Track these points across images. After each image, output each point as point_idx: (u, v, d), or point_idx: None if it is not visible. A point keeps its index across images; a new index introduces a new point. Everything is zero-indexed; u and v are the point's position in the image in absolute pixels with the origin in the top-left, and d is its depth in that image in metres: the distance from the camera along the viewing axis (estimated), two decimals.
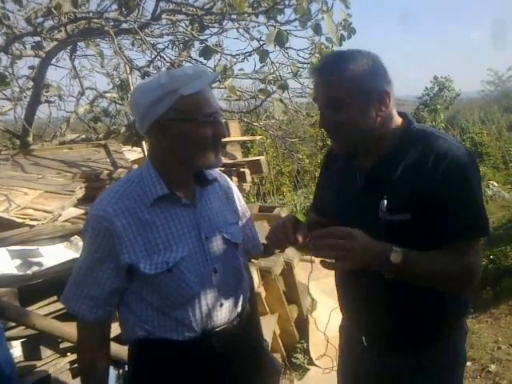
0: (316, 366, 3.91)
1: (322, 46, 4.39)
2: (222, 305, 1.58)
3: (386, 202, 1.49)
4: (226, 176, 1.80)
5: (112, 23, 3.98)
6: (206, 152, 1.50)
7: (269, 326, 3.73)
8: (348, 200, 1.61)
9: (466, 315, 1.71)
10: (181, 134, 1.45)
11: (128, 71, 3.97)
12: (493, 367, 3.79)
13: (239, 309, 1.65)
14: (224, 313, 1.58)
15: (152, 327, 1.52)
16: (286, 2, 3.93)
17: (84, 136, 5.81)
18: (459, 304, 1.65)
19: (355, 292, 1.69)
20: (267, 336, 3.51)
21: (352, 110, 1.48)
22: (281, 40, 3.69)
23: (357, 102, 1.47)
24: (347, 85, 1.46)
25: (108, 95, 6.30)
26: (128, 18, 4.03)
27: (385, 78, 1.51)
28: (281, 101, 4.01)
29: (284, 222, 1.56)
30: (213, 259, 1.56)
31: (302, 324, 4.22)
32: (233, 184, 1.80)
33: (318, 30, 3.96)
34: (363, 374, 1.75)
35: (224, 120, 5.64)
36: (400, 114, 1.60)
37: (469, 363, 3.92)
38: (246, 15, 4.08)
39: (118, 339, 2.26)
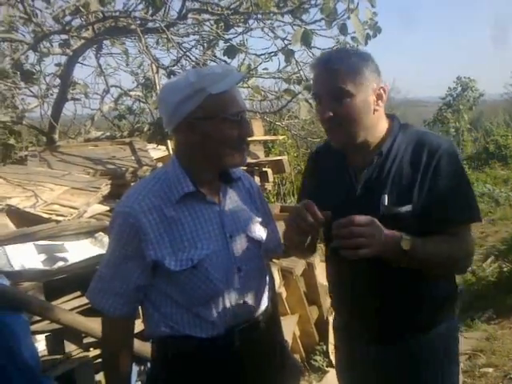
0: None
1: (347, 45, 4.37)
2: (244, 303, 1.58)
3: (386, 197, 1.56)
4: (249, 175, 1.80)
5: (139, 22, 4.01)
6: (232, 151, 1.51)
7: (289, 327, 3.72)
8: (346, 200, 1.64)
9: (455, 302, 1.78)
10: (208, 132, 1.47)
11: (154, 70, 4.00)
12: None
13: (262, 307, 1.66)
14: (247, 311, 1.59)
15: (176, 324, 1.53)
16: (312, 2, 3.93)
17: (108, 133, 5.87)
18: (452, 290, 1.75)
19: (349, 285, 1.72)
20: (287, 337, 3.51)
21: (354, 101, 1.53)
22: (307, 40, 3.69)
23: (359, 93, 1.53)
24: (352, 76, 1.52)
25: (132, 93, 6.37)
26: (155, 17, 4.05)
27: (380, 76, 1.59)
28: (306, 101, 4.00)
29: (307, 203, 1.47)
30: (236, 257, 1.57)
31: (322, 326, 4.20)
32: (256, 183, 1.81)
33: (344, 30, 3.95)
34: (361, 367, 1.77)
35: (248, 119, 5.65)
36: (387, 114, 1.68)
37: (490, 370, 3.87)
38: (271, 14, 4.08)
39: (139, 336, 2.28)
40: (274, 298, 1.86)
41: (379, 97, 1.57)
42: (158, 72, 4.07)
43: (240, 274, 1.57)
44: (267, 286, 1.72)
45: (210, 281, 1.50)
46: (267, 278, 1.74)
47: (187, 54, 4.47)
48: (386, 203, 1.56)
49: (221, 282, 1.52)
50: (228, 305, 1.54)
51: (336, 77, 1.53)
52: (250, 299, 1.59)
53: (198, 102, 1.44)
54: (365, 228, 1.40)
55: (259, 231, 1.66)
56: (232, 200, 1.63)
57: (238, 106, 1.50)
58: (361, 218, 1.41)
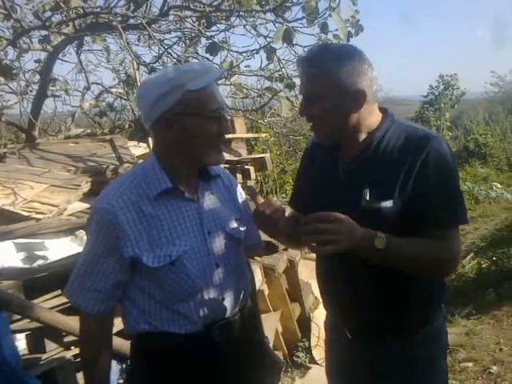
0: (318, 364, 3.92)
1: (330, 42, 4.39)
2: (223, 299, 1.59)
3: (368, 191, 1.55)
4: (228, 173, 1.81)
5: (120, 18, 3.97)
6: (210, 147, 1.52)
7: (271, 324, 3.74)
8: (331, 192, 1.65)
9: (443, 301, 1.76)
10: (186, 128, 1.47)
11: (135, 67, 3.97)
12: (494, 368, 3.78)
13: (241, 304, 1.66)
14: (225, 307, 1.59)
15: (154, 320, 1.53)
16: (294, 0, 3.93)
17: (89, 131, 5.82)
18: (439, 290, 1.71)
19: (336, 283, 1.72)
20: (269, 334, 3.52)
21: (325, 104, 1.53)
22: (289, 37, 3.70)
23: (330, 97, 1.53)
24: (322, 80, 1.52)
25: (113, 90, 6.31)
26: (136, 14, 4.02)
27: (366, 75, 1.54)
28: (287, 99, 4.01)
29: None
30: (215, 254, 1.57)
31: (304, 322, 4.22)
32: (235, 181, 1.81)
33: (325, 28, 3.96)
34: (350, 367, 1.78)
35: (229, 117, 5.65)
36: (381, 109, 1.66)
37: (470, 364, 3.93)
38: (253, 12, 4.08)
39: (121, 334, 2.27)
40: (254, 295, 1.87)
41: (356, 100, 1.54)
42: (138, 69, 4.04)
43: (218, 270, 1.57)
44: (247, 283, 1.73)
45: (189, 277, 1.50)
46: (246, 274, 1.75)
47: (169, 50, 4.44)
48: (368, 197, 1.55)
49: (199, 278, 1.52)
50: (207, 301, 1.55)
51: (310, 80, 1.56)
52: (229, 296, 1.60)
53: (177, 98, 1.44)
54: (330, 225, 1.39)
55: (238, 228, 1.66)
56: (210, 197, 1.63)
57: (217, 102, 1.50)
58: (326, 215, 1.41)
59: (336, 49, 1.60)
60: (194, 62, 4.40)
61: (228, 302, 1.60)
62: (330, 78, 1.51)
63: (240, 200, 1.76)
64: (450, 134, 19.69)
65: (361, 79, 1.53)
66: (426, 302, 1.67)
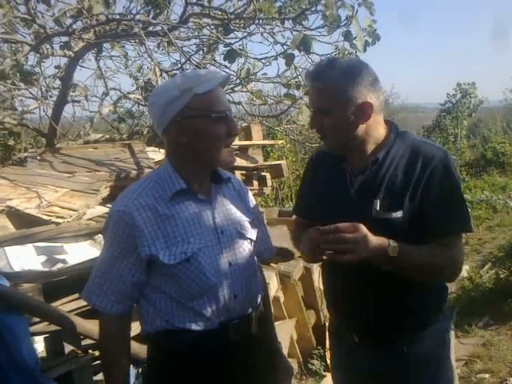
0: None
1: (346, 52, 4.40)
2: (236, 297, 1.62)
3: (379, 201, 1.61)
4: (239, 179, 1.88)
5: (141, 25, 4.02)
6: (221, 148, 1.57)
7: (286, 331, 3.74)
8: (340, 201, 1.71)
9: (446, 302, 1.82)
10: (196, 130, 1.53)
11: (158, 73, 4.01)
12: (511, 380, 3.73)
13: (253, 304, 1.70)
14: (239, 305, 1.63)
15: (171, 318, 1.57)
16: (313, 9, 3.95)
17: (108, 136, 5.87)
18: (440, 292, 1.79)
19: (342, 288, 1.77)
20: (284, 341, 3.52)
21: (333, 117, 1.60)
22: (306, 45, 3.71)
23: (337, 110, 1.59)
24: (329, 94, 1.58)
25: (132, 96, 6.37)
26: (157, 21, 4.07)
27: (372, 87, 1.60)
28: (306, 106, 4.03)
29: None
30: (228, 253, 1.62)
31: (320, 330, 4.21)
32: (245, 187, 1.86)
33: (348, 36, 3.97)
34: (356, 370, 1.81)
35: (247, 123, 5.67)
36: (385, 121, 1.72)
37: (487, 375, 3.88)
38: (272, 20, 4.11)
39: (137, 338, 2.28)
40: (266, 298, 1.91)
41: (363, 112, 1.59)
42: (161, 75, 4.08)
43: (231, 269, 1.61)
44: (258, 284, 1.76)
45: (203, 274, 1.54)
46: (258, 275, 1.78)
47: (189, 58, 4.47)
48: (378, 208, 1.61)
49: (213, 276, 1.56)
50: (221, 298, 1.59)
51: (317, 94, 1.62)
52: (241, 294, 1.64)
53: (185, 102, 1.51)
54: (349, 235, 1.45)
55: (250, 230, 1.72)
56: (223, 199, 1.68)
57: (223, 104, 1.56)
58: (346, 225, 1.46)
59: (342, 63, 1.64)
60: (201, 69, 4.42)
61: (241, 300, 1.64)
62: (336, 92, 1.57)
63: (251, 204, 1.82)
64: (470, 142, 19.52)
65: (367, 91, 1.59)
66: (429, 303, 1.73)
